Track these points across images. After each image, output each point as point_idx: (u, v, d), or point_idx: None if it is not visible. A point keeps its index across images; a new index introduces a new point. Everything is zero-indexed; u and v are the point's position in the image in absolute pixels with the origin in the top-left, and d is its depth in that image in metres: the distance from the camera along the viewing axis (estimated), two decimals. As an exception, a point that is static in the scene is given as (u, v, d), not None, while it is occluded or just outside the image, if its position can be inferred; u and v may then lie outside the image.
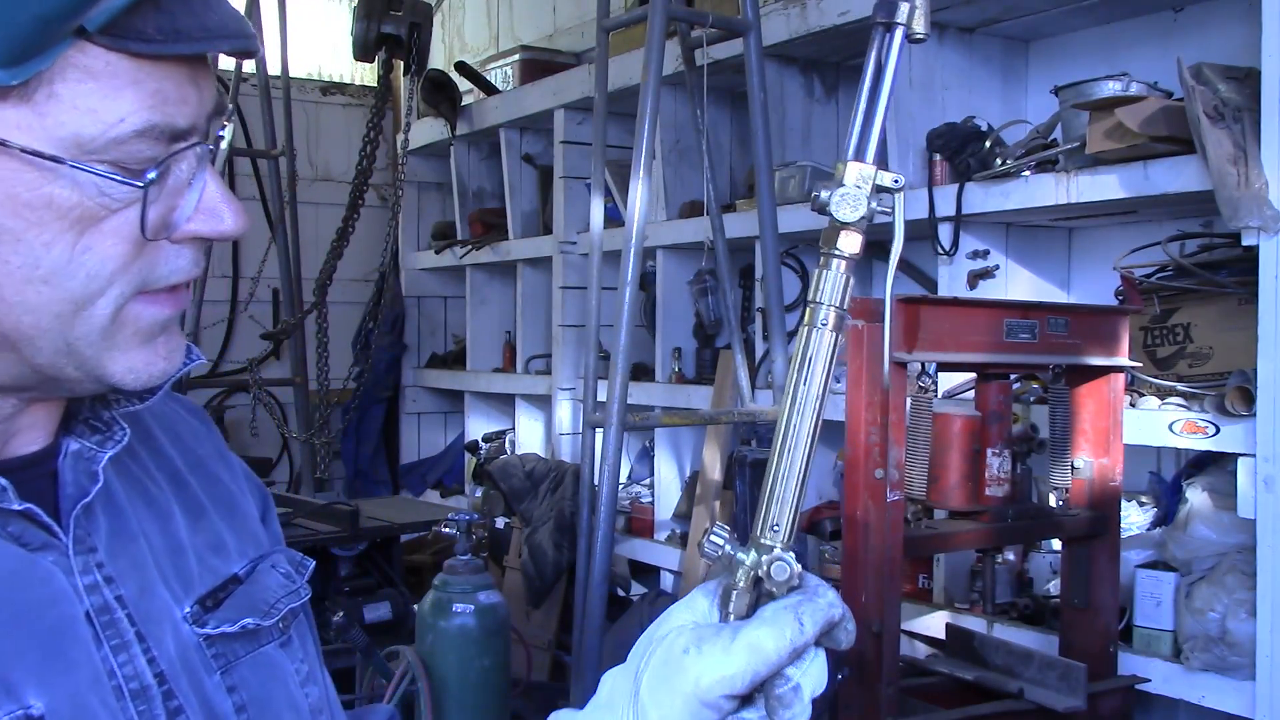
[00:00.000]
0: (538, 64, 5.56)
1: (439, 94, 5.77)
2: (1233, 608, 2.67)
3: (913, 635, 3.29)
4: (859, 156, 0.86)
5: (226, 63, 5.35)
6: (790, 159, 4.03)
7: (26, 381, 0.81)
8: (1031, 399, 3.13)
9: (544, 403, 5.45)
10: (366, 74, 6.79)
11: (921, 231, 3.37)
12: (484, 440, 5.75)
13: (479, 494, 5.47)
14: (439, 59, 6.42)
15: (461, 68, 5.87)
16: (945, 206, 3.36)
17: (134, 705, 0.82)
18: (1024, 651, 2.63)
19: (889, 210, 0.87)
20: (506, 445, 5.63)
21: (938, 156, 3.44)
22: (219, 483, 1.00)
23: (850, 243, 0.86)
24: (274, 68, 5.73)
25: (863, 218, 0.85)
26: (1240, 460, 2.64)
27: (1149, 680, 2.80)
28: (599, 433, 3.33)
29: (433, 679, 3.26)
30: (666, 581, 4.58)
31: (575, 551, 3.85)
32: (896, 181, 0.86)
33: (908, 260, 3.86)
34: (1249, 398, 2.61)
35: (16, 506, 0.80)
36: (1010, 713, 2.50)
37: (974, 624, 3.06)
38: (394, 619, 4.07)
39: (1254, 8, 2.59)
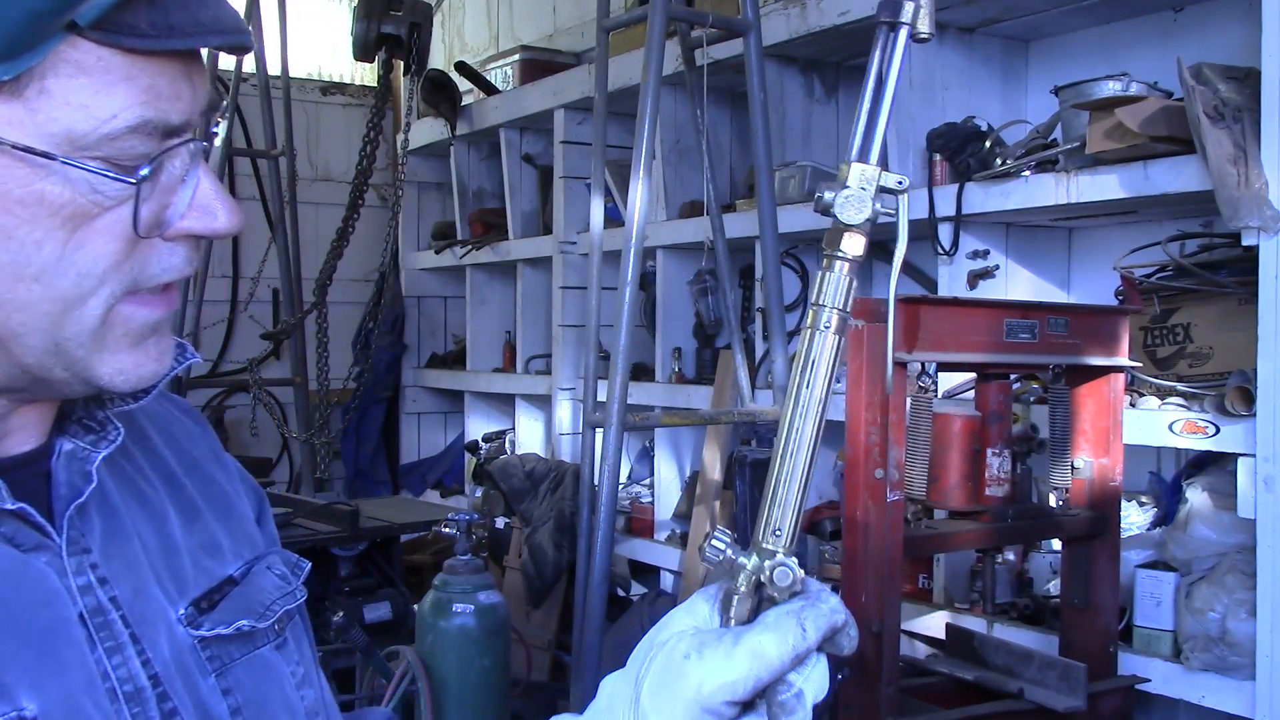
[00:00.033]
0: (538, 64, 5.56)
1: (439, 94, 5.77)
2: (1233, 608, 2.67)
3: (913, 635, 3.28)
4: (863, 158, 0.85)
5: (227, 62, 5.36)
6: (790, 159, 4.02)
7: (15, 383, 0.80)
8: (1031, 399, 3.13)
9: (544, 403, 5.45)
10: (366, 74, 6.78)
11: (921, 231, 3.37)
12: (484, 440, 5.75)
13: (479, 494, 5.47)
14: (439, 59, 6.41)
15: (461, 68, 5.86)
16: (945, 206, 3.36)
17: (128, 708, 0.81)
18: (1024, 651, 2.63)
19: (892, 212, 0.86)
20: (506, 445, 5.62)
21: (938, 156, 3.44)
22: (214, 483, 1.00)
23: (854, 245, 0.85)
24: (274, 68, 5.72)
25: (867, 220, 0.84)
26: (1240, 460, 2.64)
27: (1149, 680, 2.80)
28: (599, 433, 3.33)
29: (433, 679, 3.26)
30: (666, 581, 4.58)
31: (575, 551, 3.85)
32: (901, 183, 0.85)
33: (907, 260, 3.85)
34: (1249, 398, 2.61)
35: (9, 506, 0.79)
36: (1010, 713, 2.50)
37: (974, 624, 3.05)
38: (394, 619, 4.07)
39: (1254, 8, 2.59)
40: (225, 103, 5.38)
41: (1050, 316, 2.57)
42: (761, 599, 0.84)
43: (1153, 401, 2.94)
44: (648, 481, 4.84)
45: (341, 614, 3.36)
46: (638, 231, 3.29)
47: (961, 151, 3.36)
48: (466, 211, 6.05)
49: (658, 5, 3.27)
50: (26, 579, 0.80)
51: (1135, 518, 3.23)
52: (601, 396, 3.35)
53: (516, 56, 5.67)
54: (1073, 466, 2.74)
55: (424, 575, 4.56)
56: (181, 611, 0.89)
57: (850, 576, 2.42)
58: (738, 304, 4.07)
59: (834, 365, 0.85)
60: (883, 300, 2.70)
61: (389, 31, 5.39)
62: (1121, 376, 2.73)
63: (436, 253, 6.18)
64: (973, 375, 3.02)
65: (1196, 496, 2.86)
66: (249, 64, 5.63)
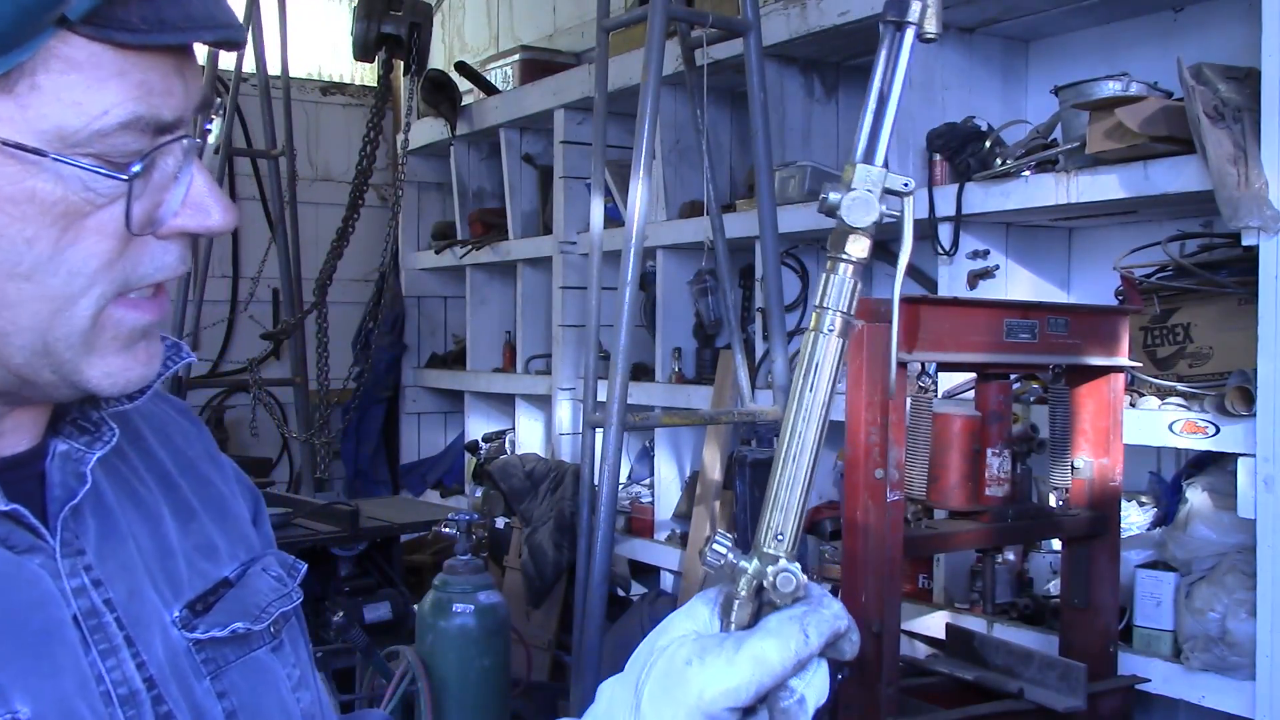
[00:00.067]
0: (538, 64, 5.56)
1: (439, 94, 5.77)
2: (1233, 608, 2.67)
3: (913, 635, 3.28)
4: (868, 159, 0.84)
5: (227, 62, 5.35)
6: (790, 159, 4.02)
7: (3, 386, 0.79)
8: (1031, 399, 3.12)
9: (544, 403, 5.45)
10: (366, 74, 6.78)
11: (922, 231, 3.37)
12: (484, 440, 5.75)
13: (479, 494, 5.46)
14: (439, 59, 6.41)
15: (461, 68, 5.86)
16: (945, 206, 3.36)
17: (123, 711, 0.81)
18: (1024, 651, 2.62)
19: (896, 214, 0.85)
20: (506, 445, 5.62)
21: (938, 156, 3.44)
22: (209, 484, 0.99)
23: (858, 247, 0.84)
24: (274, 68, 5.72)
25: (874, 222, 0.83)
26: (1240, 460, 2.64)
27: (1149, 680, 2.80)
28: (599, 433, 3.33)
29: (433, 679, 3.26)
30: (666, 581, 4.57)
31: (575, 551, 3.85)
32: (906, 185, 0.84)
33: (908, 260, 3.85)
34: (1249, 398, 2.61)
35: (2, 508, 0.79)
36: (1010, 713, 2.50)
37: (974, 624, 3.05)
38: (394, 619, 4.07)
39: (1254, 8, 2.59)
40: (219, 100, 5.37)
41: (1050, 316, 2.57)
42: (762, 603, 0.83)
43: (1153, 401, 2.93)
44: (648, 481, 4.84)
45: (341, 614, 3.36)
46: (638, 231, 3.29)
47: (961, 151, 3.36)
48: (466, 211, 6.05)
49: (658, 5, 3.27)
50: (20, 581, 0.79)
51: (1135, 518, 3.23)
52: (601, 396, 3.35)
53: (516, 56, 5.66)
54: (1073, 466, 2.74)
55: (424, 575, 4.56)
56: (176, 614, 0.88)
57: (850, 576, 2.42)
58: (738, 304, 4.07)
59: (837, 369, 0.84)
60: (883, 300, 2.70)
61: (389, 31, 5.39)
62: (1121, 376, 2.73)
63: (436, 253, 6.18)
64: (973, 375, 3.02)
65: (1196, 496, 2.85)
66: (249, 64, 5.63)
